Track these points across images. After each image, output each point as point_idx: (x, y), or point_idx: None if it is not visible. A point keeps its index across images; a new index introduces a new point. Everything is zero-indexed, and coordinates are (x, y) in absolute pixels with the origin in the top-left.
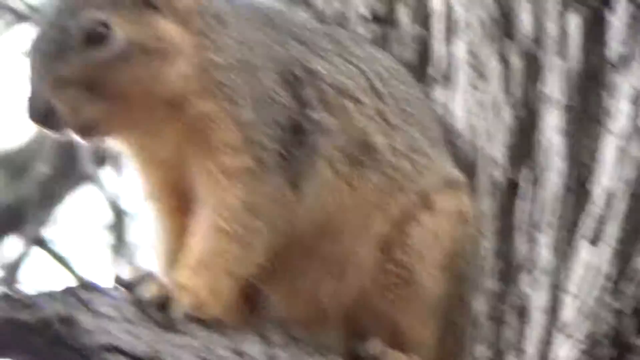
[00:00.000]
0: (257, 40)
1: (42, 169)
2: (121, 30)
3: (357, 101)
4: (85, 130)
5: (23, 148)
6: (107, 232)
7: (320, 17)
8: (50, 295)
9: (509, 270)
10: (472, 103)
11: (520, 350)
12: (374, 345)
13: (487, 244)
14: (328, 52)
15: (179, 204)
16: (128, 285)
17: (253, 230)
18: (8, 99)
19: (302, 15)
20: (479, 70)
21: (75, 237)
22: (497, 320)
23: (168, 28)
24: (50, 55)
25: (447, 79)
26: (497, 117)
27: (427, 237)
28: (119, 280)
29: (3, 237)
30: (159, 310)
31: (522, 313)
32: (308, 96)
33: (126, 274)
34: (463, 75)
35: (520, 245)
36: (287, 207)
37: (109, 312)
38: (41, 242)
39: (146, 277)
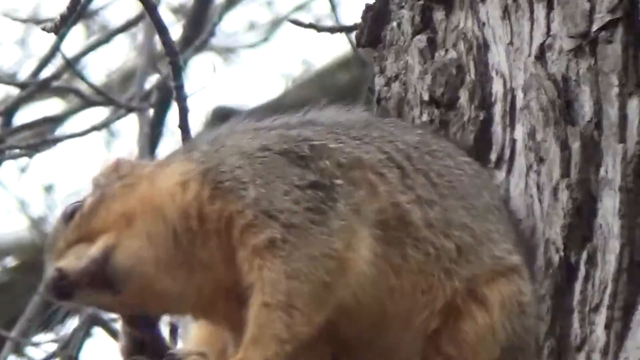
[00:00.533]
0: (240, 141)
1: None
2: (91, 197)
3: (379, 175)
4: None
5: None
6: None
7: (381, 101)
8: None
9: (565, 351)
10: (531, 186)
11: None
12: None
13: (543, 325)
14: (338, 134)
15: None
16: None
17: (296, 294)
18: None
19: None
20: (538, 154)
21: None
22: None
23: (142, 170)
24: None
25: (507, 162)
26: (555, 200)
27: (481, 333)
28: (169, 358)
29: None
30: None
31: None
32: (322, 165)
33: (180, 352)
34: (523, 159)
35: (577, 326)
36: (338, 260)
37: None
38: (100, 321)
39: (196, 355)
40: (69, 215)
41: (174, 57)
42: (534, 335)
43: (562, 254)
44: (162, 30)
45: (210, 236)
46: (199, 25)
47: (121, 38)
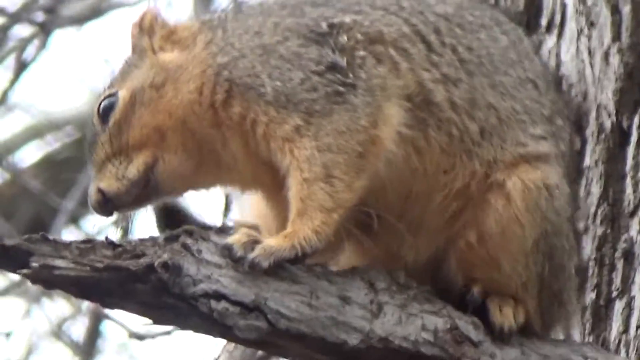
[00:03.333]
0: (262, 25)
1: None
2: (124, 89)
3: (402, 50)
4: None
5: None
6: None
7: None
8: (155, 242)
9: (617, 215)
10: (582, 50)
11: (628, 295)
12: (479, 290)
13: (595, 190)
14: (360, 5)
15: None
16: (226, 233)
17: (332, 165)
18: None
19: None
20: (589, 18)
21: None
22: (605, 265)
23: (167, 59)
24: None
25: (557, 27)
26: (606, 65)
27: (505, 223)
28: (221, 228)
29: None
30: (243, 255)
31: (630, 258)
32: (342, 41)
33: (234, 222)
34: (573, 23)
35: (630, 191)
36: (366, 132)
37: (213, 259)
38: None
39: (245, 226)
40: (103, 115)
41: None
42: (566, 215)
43: (614, 118)
44: None
45: (232, 137)
46: None
47: None
